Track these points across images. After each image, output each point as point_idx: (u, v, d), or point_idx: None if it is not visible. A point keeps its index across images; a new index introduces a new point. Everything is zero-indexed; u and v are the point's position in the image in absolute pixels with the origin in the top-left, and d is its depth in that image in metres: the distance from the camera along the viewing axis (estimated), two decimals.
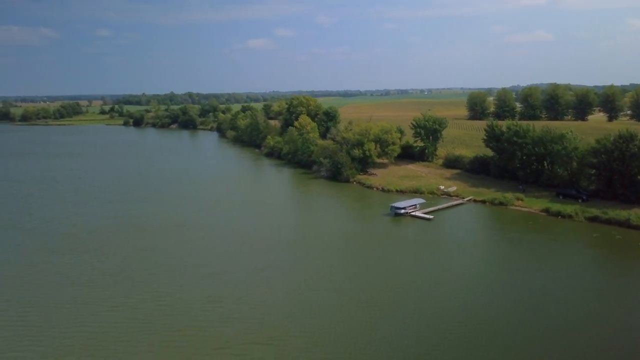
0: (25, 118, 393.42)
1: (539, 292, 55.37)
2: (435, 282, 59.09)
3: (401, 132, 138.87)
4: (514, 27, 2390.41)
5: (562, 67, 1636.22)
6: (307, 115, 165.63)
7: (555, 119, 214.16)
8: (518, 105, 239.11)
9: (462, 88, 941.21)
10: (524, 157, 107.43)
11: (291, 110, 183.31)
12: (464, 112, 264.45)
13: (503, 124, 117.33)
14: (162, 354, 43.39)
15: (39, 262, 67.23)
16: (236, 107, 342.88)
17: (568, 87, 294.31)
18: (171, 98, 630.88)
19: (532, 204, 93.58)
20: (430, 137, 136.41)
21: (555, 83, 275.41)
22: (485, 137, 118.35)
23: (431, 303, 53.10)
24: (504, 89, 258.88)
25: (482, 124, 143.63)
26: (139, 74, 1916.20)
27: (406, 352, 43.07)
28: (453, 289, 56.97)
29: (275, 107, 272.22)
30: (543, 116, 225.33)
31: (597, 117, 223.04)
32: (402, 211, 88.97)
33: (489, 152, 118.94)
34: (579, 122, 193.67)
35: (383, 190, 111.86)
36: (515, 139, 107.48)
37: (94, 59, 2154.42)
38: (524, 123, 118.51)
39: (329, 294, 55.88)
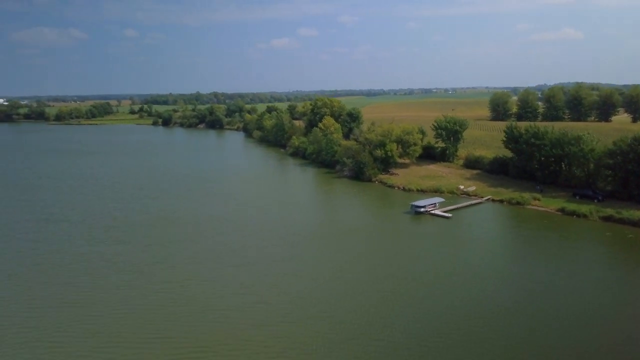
0: (59, 118, 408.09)
1: (547, 285, 59.39)
2: (451, 275, 63.59)
3: (423, 133, 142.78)
4: (541, 25, 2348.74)
5: (590, 65, 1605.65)
6: (331, 116, 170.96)
7: (578, 120, 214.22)
8: (541, 106, 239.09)
9: (487, 87, 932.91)
10: (542, 159, 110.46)
11: (315, 111, 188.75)
12: (487, 112, 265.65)
13: (522, 126, 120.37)
14: (204, 331, 49.22)
15: (88, 252, 74.10)
16: (261, 107, 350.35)
17: (594, 87, 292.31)
18: (197, 97, 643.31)
19: (548, 204, 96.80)
20: (451, 138, 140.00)
21: (580, 83, 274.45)
22: (504, 139, 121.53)
23: (446, 293, 57.73)
24: (526, 89, 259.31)
25: (503, 125, 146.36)
26: (164, 73, 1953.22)
27: (421, 338, 47.94)
28: (467, 280, 61.41)
29: (299, 107, 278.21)
30: (566, 117, 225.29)
31: (622, 118, 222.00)
32: (422, 209, 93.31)
33: (509, 153, 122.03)
34: (602, 123, 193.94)
35: (404, 189, 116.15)
36: (533, 140, 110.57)
37: (121, 59, 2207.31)
38: (543, 125, 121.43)
39: (350, 284, 61.03)
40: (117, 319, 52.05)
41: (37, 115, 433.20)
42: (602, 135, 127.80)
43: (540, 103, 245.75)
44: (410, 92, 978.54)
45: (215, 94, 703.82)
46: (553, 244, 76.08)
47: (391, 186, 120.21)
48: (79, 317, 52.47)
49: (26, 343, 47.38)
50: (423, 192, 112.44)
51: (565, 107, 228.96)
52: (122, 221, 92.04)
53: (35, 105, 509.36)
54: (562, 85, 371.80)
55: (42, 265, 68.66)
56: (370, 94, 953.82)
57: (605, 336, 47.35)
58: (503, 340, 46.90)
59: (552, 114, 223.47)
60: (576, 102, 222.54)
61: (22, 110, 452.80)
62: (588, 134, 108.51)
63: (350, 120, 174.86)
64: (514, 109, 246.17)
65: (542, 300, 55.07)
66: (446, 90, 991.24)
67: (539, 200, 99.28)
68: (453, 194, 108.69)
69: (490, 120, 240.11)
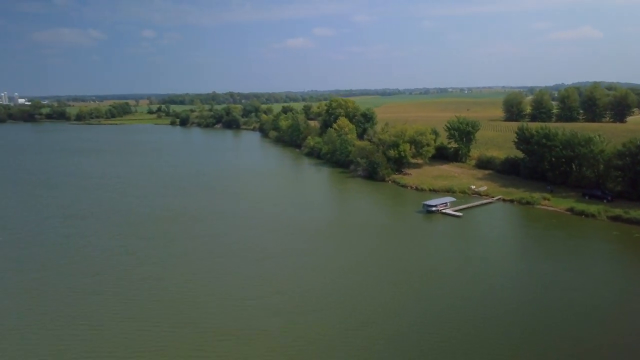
0: (80, 117, 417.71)
1: (551, 279, 62.26)
2: (458, 270, 66.80)
3: (436, 133, 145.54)
4: (559, 24, 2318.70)
5: (610, 64, 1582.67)
6: (345, 116, 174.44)
7: (592, 120, 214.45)
8: (555, 107, 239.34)
9: (503, 87, 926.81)
10: (553, 159, 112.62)
11: (330, 111, 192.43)
12: (501, 113, 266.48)
13: (534, 127, 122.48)
14: (230, 316, 53.32)
15: (115, 246, 78.78)
16: (276, 107, 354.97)
17: (611, 87, 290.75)
18: (213, 97, 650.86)
19: (558, 204, 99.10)
20: (464, 139, 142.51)
21: (597, 82, 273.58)
22: (515, 140, 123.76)
23: (453, 287, 60.99)
24: (540, 90, 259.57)
25: (516, 125, 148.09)
26: (181, 73, 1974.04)
27: (428, 326, 51.36)
28: (475, 275, 64.55)
29: (314, 108, 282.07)
30: (580, 118, 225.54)
31: (637, 118, 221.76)
32: (434, 208, 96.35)
33: (520, 154, 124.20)
34: (617, 124, 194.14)
35: (417, 189, 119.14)
36: (544, 141, 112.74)
37: (139, 59, 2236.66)
38: (555, 126, 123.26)
39: (362, 276, 64.65)
40: (148, 307, 56.38)
41: (58, 115, 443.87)
42: (615, 136, 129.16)
43: (555, 103, 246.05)
44: (425, 92, 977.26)
45: (232, 94, 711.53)
46: (559, 241, 78.69)
47: (404, 186, 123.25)
48: (111, 305, 56.92)
49: (67, 326, 51.92)
50: (435, 191, 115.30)
51: (579, 107, 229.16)
52: (147, 217, 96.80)
53: (56, 105, 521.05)
54: (580, 85, 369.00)
55: (74, 257, 73.54)
56: (385, 93, 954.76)
57: (613, 330, 50.25)
58: (512, 332, 50.09)
59: (567, 115, 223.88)
60: (591, 103, 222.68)
61: (44, 110, 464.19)
62: (598, 135, 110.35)
63: (364, 120, 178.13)
64: (528, 110, 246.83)
65: (546, 295, 57.98)
66: (462, 89, 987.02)
67: (548, 200, 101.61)
68: (465, 194, 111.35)
69: (504, 120, 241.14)
